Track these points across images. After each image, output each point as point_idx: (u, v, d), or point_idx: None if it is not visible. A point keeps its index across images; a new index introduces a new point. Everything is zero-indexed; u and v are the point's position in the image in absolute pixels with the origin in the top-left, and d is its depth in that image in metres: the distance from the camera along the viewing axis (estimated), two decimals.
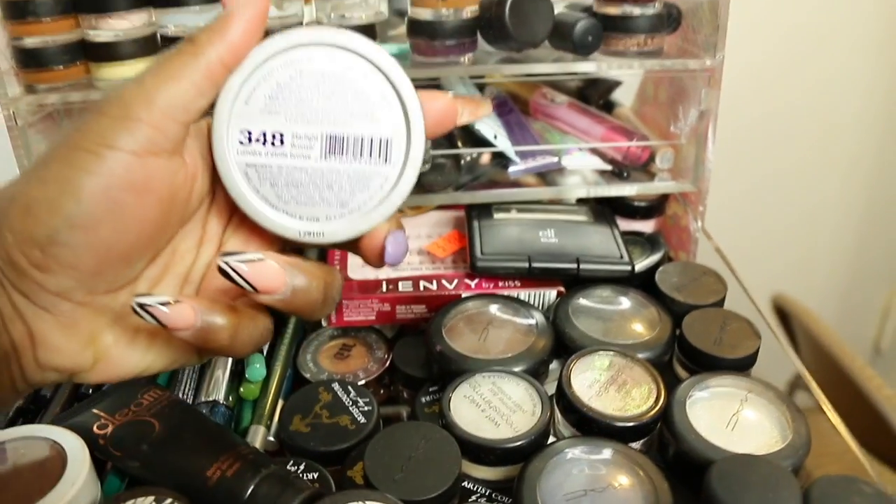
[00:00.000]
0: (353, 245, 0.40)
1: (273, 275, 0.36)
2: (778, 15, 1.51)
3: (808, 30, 1.54)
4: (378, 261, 0.39)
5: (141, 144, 0.34)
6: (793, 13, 1.52)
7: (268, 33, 0.37)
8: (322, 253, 0.64)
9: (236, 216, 0.40)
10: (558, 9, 0.64)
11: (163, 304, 0.35)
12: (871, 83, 1.63)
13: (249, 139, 0.37)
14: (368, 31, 0.61)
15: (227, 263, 0.35)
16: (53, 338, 0.35)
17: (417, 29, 0.60)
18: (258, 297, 0.36)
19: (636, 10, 0.61)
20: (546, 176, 0.70)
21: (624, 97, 0.83)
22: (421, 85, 0.66)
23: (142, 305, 0.35)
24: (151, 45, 0.59)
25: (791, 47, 1.55)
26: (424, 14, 0.59)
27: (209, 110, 0.37)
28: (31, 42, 0.57)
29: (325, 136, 0.37)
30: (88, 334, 0.36)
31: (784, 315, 1.42)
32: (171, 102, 0.34)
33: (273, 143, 0.37)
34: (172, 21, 0.58)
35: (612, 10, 0.62)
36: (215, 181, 0.39)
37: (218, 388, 0.55)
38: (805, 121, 1.64)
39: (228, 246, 0.40)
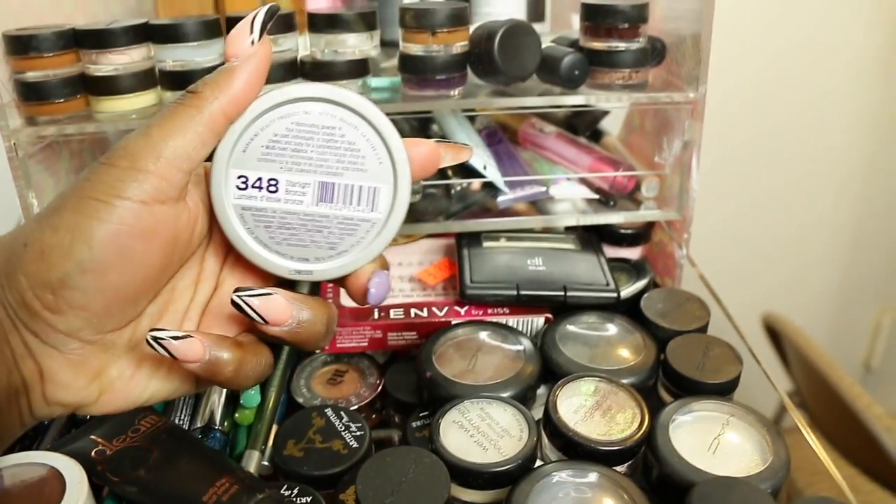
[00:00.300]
0: (339, 281, 0.42)
1: (281, 308, 0.38)
2: (765, 40, 1.54)
3: (795, 55, 1.57)
4: (362, 299, 0.41)
5: (149, 194, 0.35)
6: (780, 39, 1.54)
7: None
8: (316, 284, 0.65)
9: (232, 255, 0.42)
10: (545, 43, 0.66)
11: (175, 338, 0.37)
12: (858, 105, 1.66)
13: (246, 184, 0.39)
14: (361, 65, 0.62)
15: (240, 298, 0.38)
16: (62, 374, 0.37)
17: (408, 63, 0.62)
18: (268, 328, 0.38)
19: (621, 45, 0.63)
20: (536, 204, 0.71)
21: (611, 126, 0.85)
22: (413, 117, 0.69)
23: (156, 339, 0.36)
24: (150, 79, 0.61)
25: (778, 73, 1.58)
26: (415, 49, 0.61)
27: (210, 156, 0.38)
28: (32, 76, 0.59)
29: (317, 184, 0.39)
30: (95, 370, 0.38)
31: (775, 334, 1.43)
32: (177, 153, 0.36)
33: (268, 189, 0.39)
34: (171, 56, 0.60)
35: (598, 45, 0.64)
36: (213, 223, 0.40)
37: (213, 414, 0.56)
38: (794, 143, 1.66)
39: (226, 284, 0.42)
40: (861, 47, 1.60)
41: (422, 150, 0.40)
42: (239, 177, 0.38)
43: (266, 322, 0.38)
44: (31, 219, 0.37)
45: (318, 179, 0.39)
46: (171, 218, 0.37)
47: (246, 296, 0.38)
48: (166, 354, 0.37)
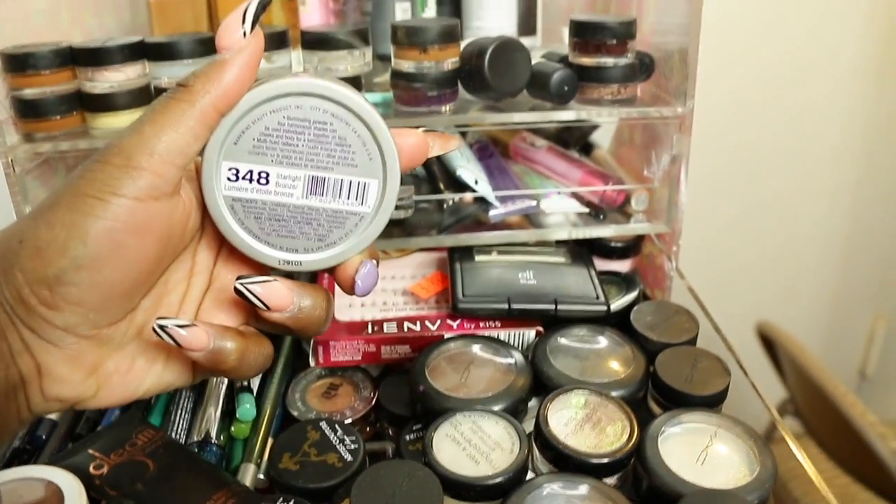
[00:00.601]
0: (329, 271, 0.42)
1: (282, 294, 0.39)
2: (756, 50, 1.55)
3: (786, 64, 1.58)
4: (350, 290, 0.42)
5: (144, 190, 0.36)
6: (771, 48, 1.55)
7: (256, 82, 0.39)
8: (313, 275, 0.66)
9: (225, 248, 0.42)
10: (535, 58, 0.67)
11: (180, 326, 0.37)
12: (850, 113, 1.67)
13: (237, 176, 0.39)
14: (354, 82, 0.63)
15: (242, 285, 0.38)
16: (59, 369, 0.37)
17: (400, 79, 0.63)
18: (270, 314, 0.39)
19: (610, 61, 0.64)
20: (528, 217, 0.72)
21: (602, 139, 0.86)
22: None
23: (162, 327, 0.37)
24: (145, 95, 0.62)
25: (769, 82, 1.58)
26: (407, 66, 0.62)
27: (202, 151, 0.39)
28: (30, 93, 0.59)
29: (307, 178, 0.39)
30: (92, 365, 0.38)
31: (769, 342, 1.44)
32: (170, 148, 0.36)
33: (259, 182, 0.39)
34: (166, 73, 0.61)
35: (587, 61, 0.65)
36: (206, 216, 0.41)
37: (210, 428, 0.57)
38: (786, 152, 1.67)
39: (220, 277, 0.42)
40: (852, 56, 1.61)
41: (410, 141, 0.41)
42: (230, 169, 0.39)
43: (268, 308, 0.39)
44: (27, 216, 0.37)
45: (309, 173, 0.39)
46: (165, 213, 0.37)
47: (248, 283, 0.38)
48: (172, 342, 0.37)
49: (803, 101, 1.63)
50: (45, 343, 0.37)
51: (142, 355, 0.40)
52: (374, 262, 0.42)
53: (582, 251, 0.70)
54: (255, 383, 0.62)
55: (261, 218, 0.40)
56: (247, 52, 0.37)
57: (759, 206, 1.72)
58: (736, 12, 1.48)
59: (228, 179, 0.39)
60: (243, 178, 0.39)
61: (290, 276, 0.41)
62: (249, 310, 0.41)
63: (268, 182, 0.39)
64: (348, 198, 0.40)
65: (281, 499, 0.48)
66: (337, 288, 0.64)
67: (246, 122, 0.38)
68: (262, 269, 0.42)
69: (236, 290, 0.38)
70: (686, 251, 0.71)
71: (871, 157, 1.72)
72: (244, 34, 0.37)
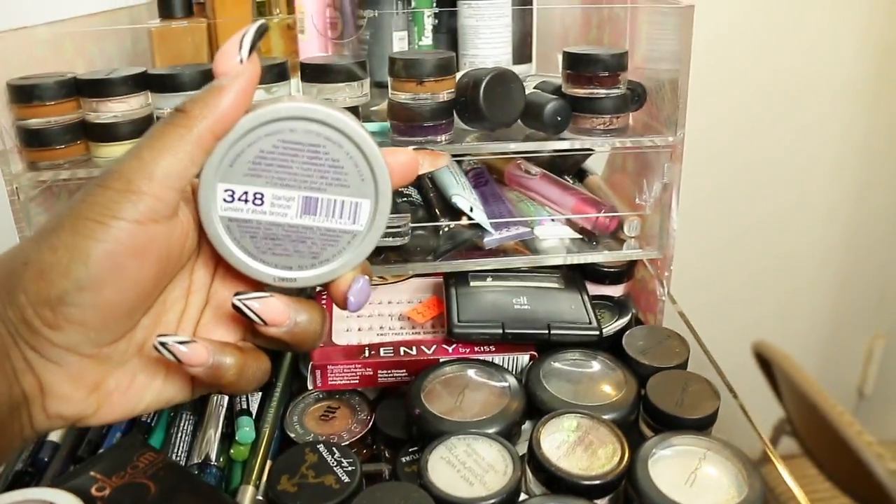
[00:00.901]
0: (323, 287, 0.44)
1: (279, 310, 0.40)
2: (751, 71, 1.56)
3: (781, 85, 1.60)
4: (343, 305, 0.43)
5: (144, 214, 0.37)
6: (766, 69, 1.57)
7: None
8: (312, 289, 0.67)
9: (221, 267, 0.43)
10: (530, 86, 0.68)
11: (181, 342, 0.38)
12: (846, 132, 1.68)
13: (233, 198, 0.40)
14: (352, 112, 0.64)
15: (240, 301, 0.40)
16: (61, 388, 0.38)
17: (397, 110, 0.64)
18: (267, 329, 0.40)
19: (602, 92, 0.66)
20: (525, 243, 0.73)
21: (596, 164, 0.87)
22: None
23: (163, 344, 0.38)
24: (148, 125, 0.63)
25: (765, 103, 1.60)
26: (403, 97, 0.63)
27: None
28: (35, 123, 0.61)
29: (301, 199, 0.41)
30: (93, 382, 0.39)
31: (765, 362, 1.44)
32: (168, 173, 0.37)
33: (254, 202, 0.40)
34: (168, 104, 0.62)
35: (580, 92, 0.66)
36: (202, 236, 0.42)
37: (210, 450, 0.58)
38: (783, 172, 1.69)
39: (217, 294, 0.43)
40: (846, 76, 1.63)
41: (401, 159, 0.42)
42: (226, 190, 0.40)
43: (265, 323, 0.40)
44: (30, 238, 0.38)
45: (303, 194, 0.40)
46: (164, 235, 0.38)
47: (246, 299, 0.39)
48: (172, 358, 0.38)
49: (798, 122, 1.64)
50: (48, 362, 0.38)
51: (142, 372, 0.41)
52: (367, 278, 0.43)
53: (575, 276, 0.71)
54: (254, 406, 0.63)
55: (256, 237, 0.41)
56: (243, 78, 0.38)
57: (754, 227, 1.73)
58: (729, 34, 1.49)
59: (224, 200, 0.40)
60: (239, 199, 0.40)
61: (285, 292, 0.42)
62: (247, 325, 0.42)
63: (263, 203, 0.40)
64: (341, 217, 0.41)
65: None
66: (336, 312, 0.66)
67: (242, 145, 0.39)
68: (258, 286, 0.42)
69: (234, 306, 0.40)
70: (680, 274, 0.72)
71: (867, 177, 1.74)
72: (241, 60, 0.38)
